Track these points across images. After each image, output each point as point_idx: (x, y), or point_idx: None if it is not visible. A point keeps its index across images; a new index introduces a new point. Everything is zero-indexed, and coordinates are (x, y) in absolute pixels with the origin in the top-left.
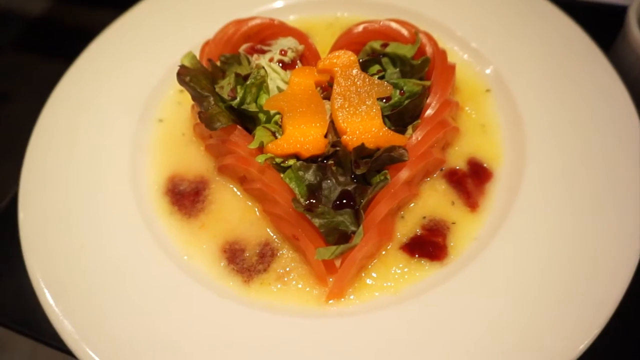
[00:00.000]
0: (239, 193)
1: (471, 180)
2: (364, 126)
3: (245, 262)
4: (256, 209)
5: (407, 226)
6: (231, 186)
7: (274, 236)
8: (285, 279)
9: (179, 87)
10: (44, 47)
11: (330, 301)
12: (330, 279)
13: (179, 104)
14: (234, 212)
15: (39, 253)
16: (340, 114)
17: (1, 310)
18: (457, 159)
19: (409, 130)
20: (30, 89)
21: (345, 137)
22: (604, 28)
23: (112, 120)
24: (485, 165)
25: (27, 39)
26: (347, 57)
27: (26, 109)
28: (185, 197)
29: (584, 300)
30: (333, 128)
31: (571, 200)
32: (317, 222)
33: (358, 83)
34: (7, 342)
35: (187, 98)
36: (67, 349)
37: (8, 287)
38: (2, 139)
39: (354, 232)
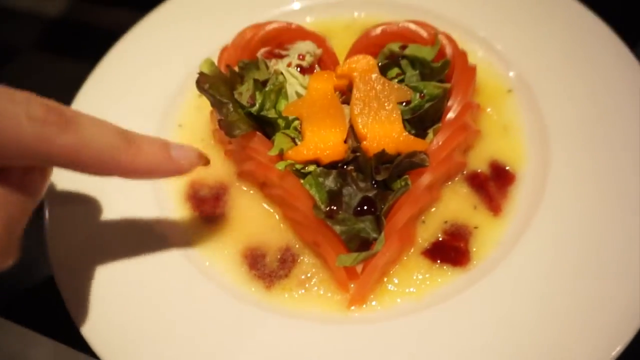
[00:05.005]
0: (259, 198)
1: (493, 184)
2: (384, 131)
3: (266, 267)
4: (276, 215)
5: (429, 231)
6: (251, 191)
7: (295, 241)
8: (307, 285)
9: (197, 91)
10: (63, 48)
11: (352, 307)
12: (352, 285)
13: (197, 109)
14: (254, 217)
15: (62, 247)
16: (360, 120)
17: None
18: (478, 161)
19: (430, 134)
20: (49, 91)
21: (365, 142)
22: (630, 22)
23: (133, 127)
24: (507, 167)
25: (46, 39)
26: (366, 62)
27: None
28: (206, 202)
29: (615, 308)
30: (353, 133)
31: (599, 203)
32: (338, 228)
33: (377, 88)
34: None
35: (205, 103)
36: (89, 350)
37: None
38: None
39: (375, 239)
